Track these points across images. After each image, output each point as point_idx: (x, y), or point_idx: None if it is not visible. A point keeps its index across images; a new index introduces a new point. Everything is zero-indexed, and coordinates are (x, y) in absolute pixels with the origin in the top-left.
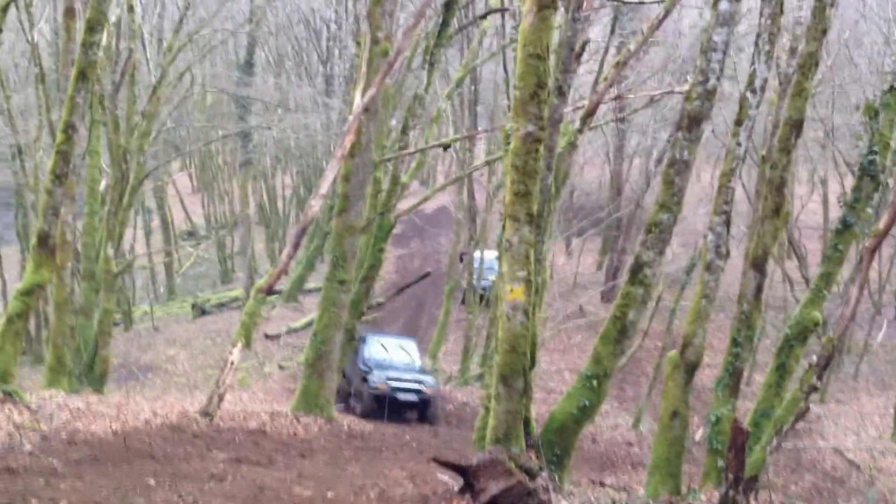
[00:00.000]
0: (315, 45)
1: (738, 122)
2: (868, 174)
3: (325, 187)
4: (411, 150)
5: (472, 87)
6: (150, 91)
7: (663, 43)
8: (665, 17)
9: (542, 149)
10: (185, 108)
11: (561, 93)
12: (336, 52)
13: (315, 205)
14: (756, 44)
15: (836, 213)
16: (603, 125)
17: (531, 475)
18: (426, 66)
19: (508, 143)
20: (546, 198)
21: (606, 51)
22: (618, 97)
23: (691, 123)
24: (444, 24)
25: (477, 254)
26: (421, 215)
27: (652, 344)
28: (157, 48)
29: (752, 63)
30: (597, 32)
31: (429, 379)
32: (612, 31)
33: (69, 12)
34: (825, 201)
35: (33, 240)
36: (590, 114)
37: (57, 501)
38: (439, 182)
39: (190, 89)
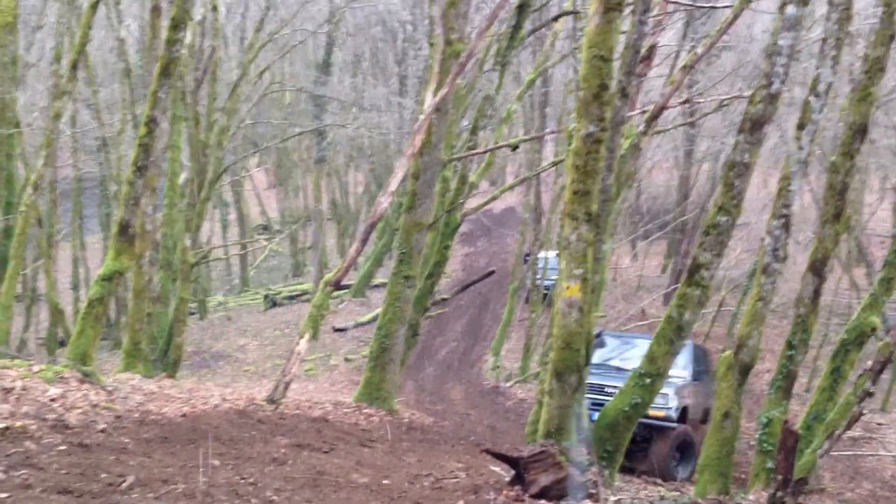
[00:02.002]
0: (391, 46)
1: (801, 126)
2: None
3: (394, 185)
4: (480, 150)
5: (543, 89)
6: (230, 88)
7: (735, 48)
8: (733, 21)
9: (602, 149)
10: (264, 105)
11: (624, 95)
12: (411, 53)
13: (384, 202)
14: (822, 48)
15: None
16: (672, 129)
17: (581, 470)
18: (498, 67)
19: (571, 144)
20: (606, 198)
21: (678, 55)
22: (686, 101)
23: (753, 126)
24: (517, 26)
25: (541, 254)
26: (489, 215)
27: (713, 347)
28: (239, 47)
29: (817, 67)
30: (670, 37)
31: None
32: (685, 36)
33: (155, 10)
34: None
35: (114, 228)
36: (655, 117)
37: (125, 476)
38: (508, 183)
39: (269, 87)
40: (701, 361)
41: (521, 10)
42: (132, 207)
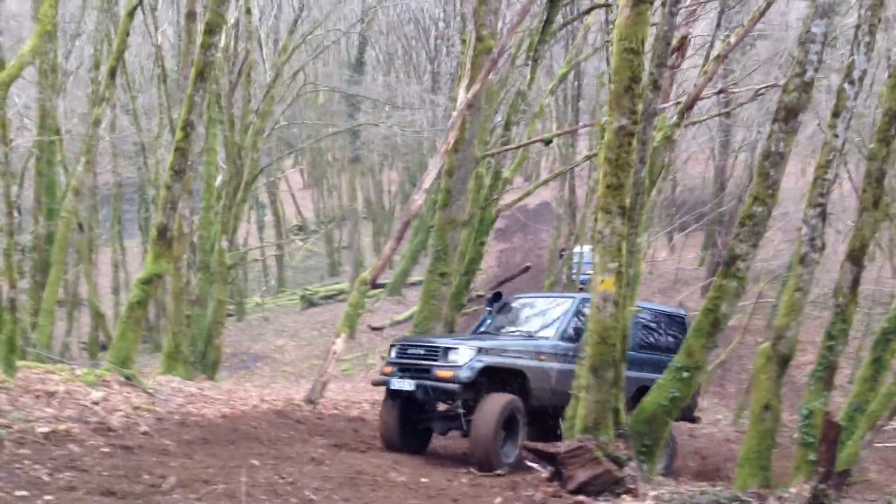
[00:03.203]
0: (423, 44)
1: (836, 114)
2: None
3: (428, 182)
4: (512, 145)
5: (576, 83)
6: (264, 90)
7: (770, 36)
8: (766, 10)
9: (634, 142)
10: (298, 106)
11: (656, 87)
12: (444, 49)
13: (418, 199)
14: (855, 35)
15: None
16: (707, 119)
17: (619, 464)
18: (529, 62)
19: (603, 137)
20: (639, 191)
21: (712, 45)
22: (721, 91)
23: (788, 115)
24: (548, 20)
25: (576, 248)
26: (524, 211)
27: (753, 340)
28: (273, 49)
29: (851, 54)
30: (703, 27)
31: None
32: (718, 25)
33: (190, 15)
34: None
35: (152, 232)
36: (688, 108)
37: (167, 477)
38: (542, 178)
39: (303, 88)
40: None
41: (553, 3)
42: (170, 211)
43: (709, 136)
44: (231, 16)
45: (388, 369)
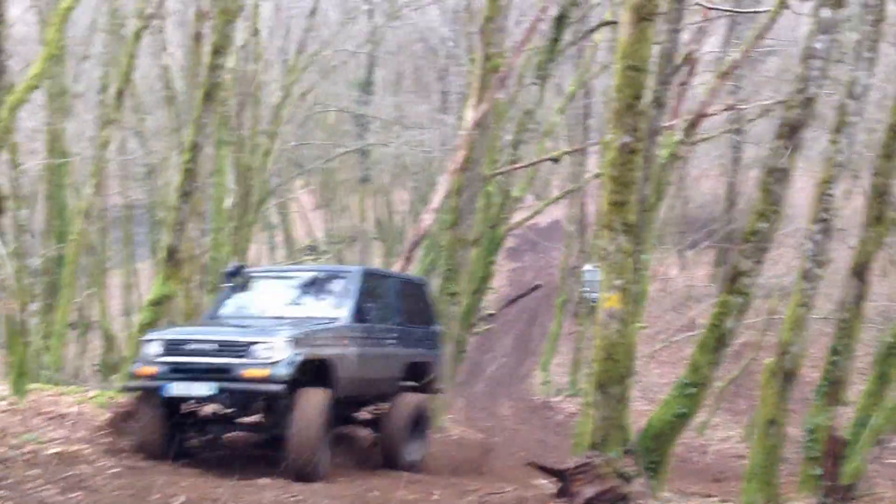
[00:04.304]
0: (432, 63)
1: (838, 130)
2: None
3: (436, 201)
4: (521, 164)
5: (585, 101)
6: (273, 111)
7: (780, 52)
8: (769, 26)
9: (638, 159)
10: (308, 126)
11: (659, 104)
12: (452, 69)
13: (427, 218)
14: (857, 50)
15: None
16: (717, 136)
17: (626, 480)
18: (538, 81)
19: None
20: (644, 208)
21: (723, 62)
22: (729, 108)
23: (790, 131)
24: (556, 39)
25: (587, 266)
26: (535, 229)
27: (765, 357)
28: (282, 69)
29: (853, 69)
30: (713, 43)
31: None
32: (727, 42)
33: (197, 37)
34: None
35: (161, 253)
36: (693, 125)
37: (176, 496)
38: (553, 196)
39: (312, 108)
40: (395, 295)
41: (560, 22)
42: (178, 232)
43: (720, 153)
44: (239, 37)
45: (150, 370)
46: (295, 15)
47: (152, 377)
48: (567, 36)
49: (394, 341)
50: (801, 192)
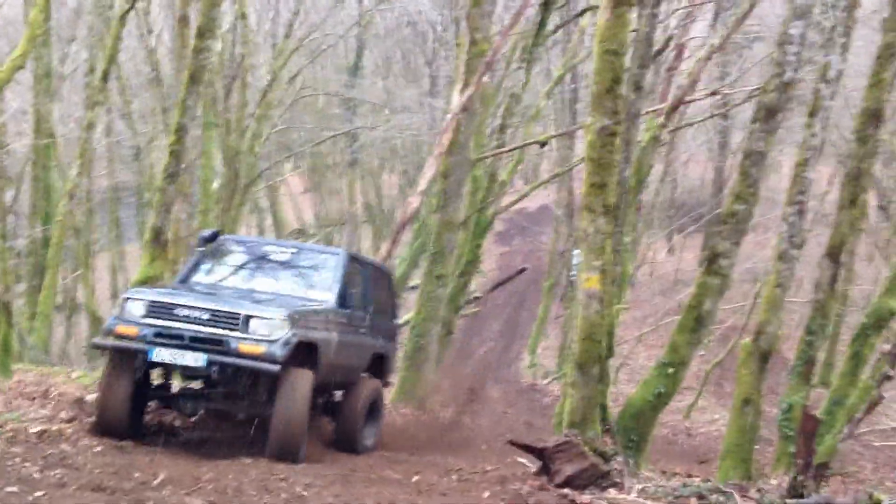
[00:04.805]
0: (421, 48)
1: (812, 114)
2: None
3: (423, 184)
4: (508, 148)
5: (572, 86)
6: (261, 94)
7: (766, 38)
8: (749, 11)
9: (617, 142)
10: (297, 110)
11: (638, 88)
12: (441, 53)
13: (414, 201)
14: (830, 36)
15: None
16: (701, 121)
17: (606, 458)
18: (524, 65)
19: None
20: (624, 190)
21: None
22: (714, 93)
23: (767, 115)
24: (542, 23)
25: (576, 251)
26: (524, 213)
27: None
28: (270, 52)
29: (826, 54)
30: (701, 29)
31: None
32: (713, 27)
33: (182, 20)
34: None
35: (147, 235)
36: (674, 108)
37: (159, 474)
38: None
39: (300, 92)
40: (367, 283)
41: (546, 7)
42: (164, 214)
43: (707, 138)
44: (227, 20)
45: (131, 330)
46: None
47: (132, 339)
48: (554, 20)
49: (366, 330)
50: (787, 178)
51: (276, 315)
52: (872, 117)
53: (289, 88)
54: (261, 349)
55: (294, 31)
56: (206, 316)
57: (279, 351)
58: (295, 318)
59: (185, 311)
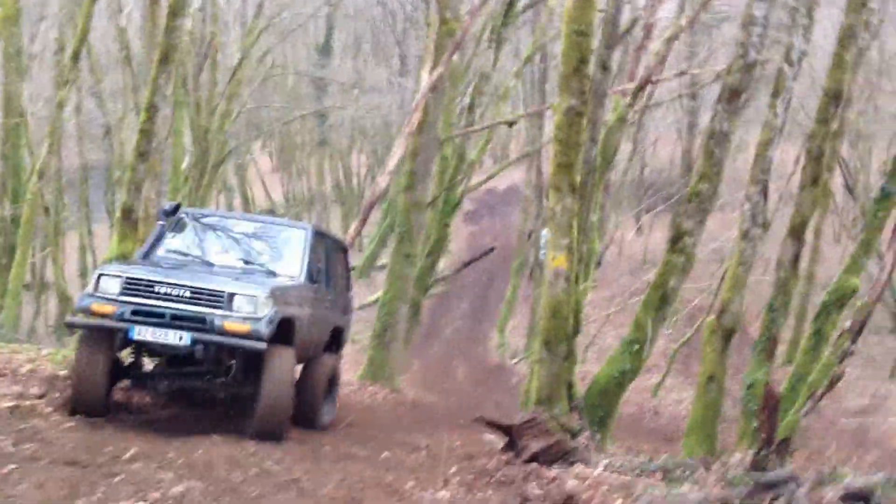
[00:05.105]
0: (391, 27)
1: (775, 94)
2: None
3: (392, 164)
4: (477, 127)
5: (542, 65)
6: (231, 73)
7: (735, 19)
8: None
9: (584, 122)
10: (266, 89)
11: (605, 68)
12: (411, 33)
13: (382, 182)
14: (793, 17)
15: None
16: (668, 102)
17: (572, 434)
18: (493, 44)
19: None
20: (591, 169)
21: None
22: (681, 73)
23: (731, 96)
24: (511, 3)
25: (544, 231)
26: (493, 193)
27: None
28: (240, 31)
29: (790, 36)
30: (669, 8)
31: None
32: (682, 7)
33: None
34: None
35: (118, 213)
36: (640, 88)
37: (129, 448)
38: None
39: (270, 71)
40: (326, 257)
41: None
42: (135, 192)
43: (676, 119)
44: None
45: (108, 308)
46: None
47: (110, 317)
48: (522, 0)
49: (328, 304)
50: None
51: (259, 292)
52: (834, 98)
53: (258, 67)
54: (246, 327)
55: (264, 10)
56: (187, 293)
57: (264, 328)
58: (276, 295)
59: (165, 289)
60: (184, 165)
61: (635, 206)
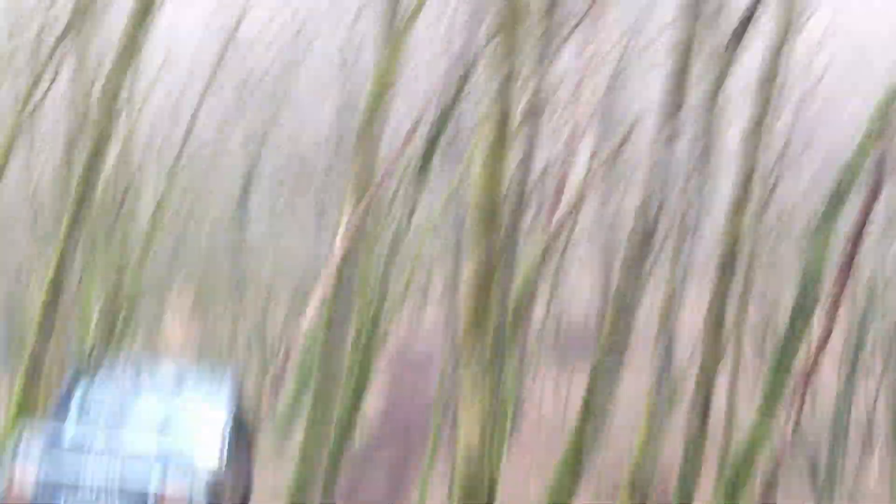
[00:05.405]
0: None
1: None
2: None
3: (313, 306)
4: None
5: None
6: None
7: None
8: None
9: (495, 282)
10: (187, 228)
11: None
12: (329, 190)
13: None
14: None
15: None
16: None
17: None
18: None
19: None
20: (502, 329)
21: None
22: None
23: (632, 260)
24: (428, 157)
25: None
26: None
27: None
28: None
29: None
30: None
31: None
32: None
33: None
34: None
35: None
36: (555, 237)
37: None
38: None
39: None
40: (238, 440)
41: (432, 144)
42: (42, 341)
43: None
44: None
45: (25, 489)
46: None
47: (29, 488)
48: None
49: (242, 493)
50: None
51: (196, 473)
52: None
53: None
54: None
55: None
56: (117, 466)
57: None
58: (209, 488)
59: (94, 460)
60: (95, 313)
61: (557, 360)
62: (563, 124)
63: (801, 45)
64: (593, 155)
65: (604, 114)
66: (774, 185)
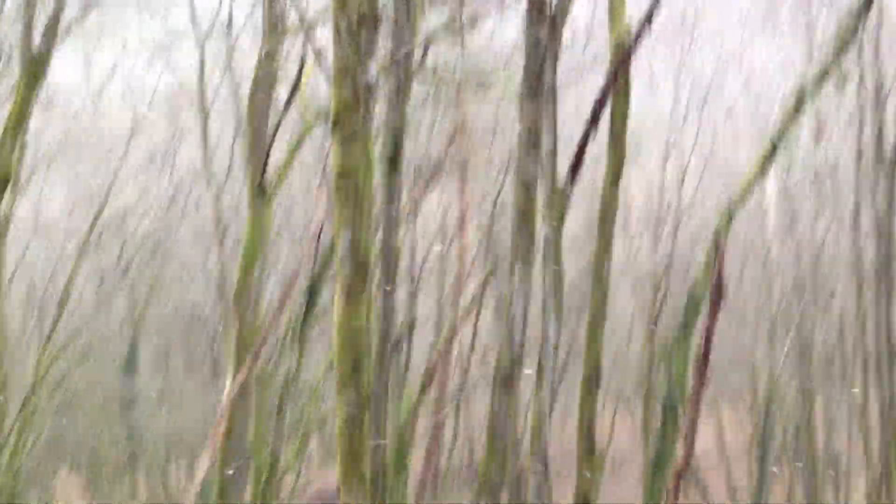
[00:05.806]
0: (201, 334)
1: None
2: None
3: (200, 477)
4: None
5: None
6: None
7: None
8: None
9: (366, 426)
10: (70, 411)
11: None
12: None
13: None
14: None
15: None
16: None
17: None
18: (296, 345)
19: None
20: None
21: None
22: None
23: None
24: (311, 302)
25: None
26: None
27: None
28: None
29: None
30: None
31: None
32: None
33: None
34: None
35: None
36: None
37: None
38: None
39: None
40: None
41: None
42: None
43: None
44: None
45: None
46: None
47: None
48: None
49: None
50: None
51: None
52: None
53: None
54: None
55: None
56: None
57: None
58: None
59: None
60: None
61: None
62: None
63: None
64: None
65: None
66: None
